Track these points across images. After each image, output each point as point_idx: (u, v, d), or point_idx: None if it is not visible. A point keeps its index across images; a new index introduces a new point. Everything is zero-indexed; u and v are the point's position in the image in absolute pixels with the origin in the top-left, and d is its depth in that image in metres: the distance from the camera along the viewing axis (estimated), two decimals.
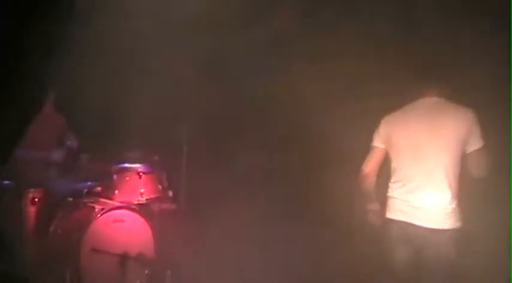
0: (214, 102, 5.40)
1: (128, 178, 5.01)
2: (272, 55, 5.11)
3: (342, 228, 4.75)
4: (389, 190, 3.54)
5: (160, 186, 5.13)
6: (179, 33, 5.27)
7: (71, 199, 4.85)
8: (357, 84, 4.73)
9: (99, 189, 5.01)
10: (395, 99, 3.65)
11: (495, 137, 3.52)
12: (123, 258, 4.49)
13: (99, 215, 4.53)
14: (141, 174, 5.03)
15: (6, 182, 4.76)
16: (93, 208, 4.62)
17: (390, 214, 3.51)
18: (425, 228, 3.32)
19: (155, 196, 5.08)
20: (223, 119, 5.46)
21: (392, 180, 3.53)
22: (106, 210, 4.59)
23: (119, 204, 4.77)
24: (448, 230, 3.31)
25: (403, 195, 3.44)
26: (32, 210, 4.66)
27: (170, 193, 5.15)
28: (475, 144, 3.31)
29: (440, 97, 3.45)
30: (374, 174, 3.63)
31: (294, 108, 4.98)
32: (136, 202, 4.94)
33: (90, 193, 4.98)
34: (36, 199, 4.66)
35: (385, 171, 3.65)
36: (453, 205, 3.33)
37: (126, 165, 5.10)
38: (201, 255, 4.80)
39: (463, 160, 3.34)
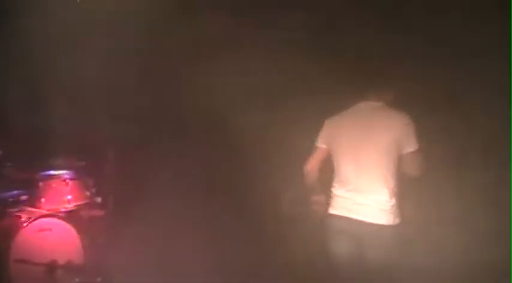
0: (142, 105, 5.39)
1: (54, 185, 4.94)
2: (206, 56, 5.15)
3: (283, 223, 4.88)
4: (333, 188, 3.73)
5: (88, 192, 5.09)
6: (102, 35, 5.22)
7: None
8: (300, 86, 4.86)
9: (24, 197, 4.89)
10: (338, 103, 3.82)
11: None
12: (52, 267, 4.45)
13: (25, 224, 4.44)
14: (67, 180, 4.97)
15: None
16: (19, 217, 4.52)
17: (333, 211, 3.70)
18: (366, 223, 3.51)
19: (83, 202, 5.04)
20: (153, 122, 5.46)
21: (335, 180, 3.73)
22: (32, 218, 4.50)
23: (46, 212, 4.68)
24: (387, 226, 3.50)
25: (345, 193, 3.64)
26: None
27: (98, 199, 5.11)
28: (410, 147, 3.51)
29: (380, 101, 3.65)
30: (316, 171, 3.82)
31: (227, 110, 5.02)
32: (63, 209, 4.88)
33: (16, 202, 4.84)
34: None
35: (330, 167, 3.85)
36: (391, 202, 3.52)
37: (52, 172, 5.03)
38: (132, 260, 4.78)
39: (399, 161, 3.54)
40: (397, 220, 3.53)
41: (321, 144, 3.80)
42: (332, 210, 3.70)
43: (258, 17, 4.87)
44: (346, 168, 3.63)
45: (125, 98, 5.39)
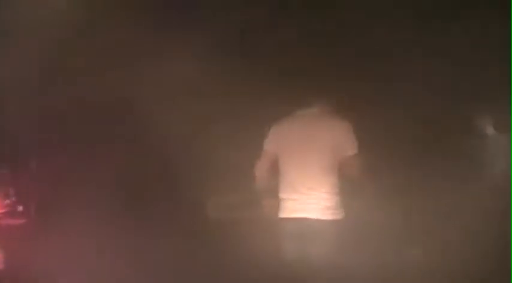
0: (63, 109, 5.30)
1: None
2: (132, 58, 5.13)
3: (230, 228, 4.96)
4: (280, 192, 3.93)
5: (8, 201, 4.98)
6: (23, 34, 5.10)
7: None
8: (243, 92, 4.93)
9: None
10: (281, 109, 4.02)
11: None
12: None
13: None
14: None
15: None
16: None
17: (282, 214, 3.91)
18: (313, 219, 3.76)
19: (3, 211, 4.92)
20: (76, 127, 5.37)
21: (282, 183, 3.93)
22: None
23: None
24: (332, 221, 3.78)
25: (292, 195, 3.85)
26: None
27: (20, 208, 5.01)
28: (349, 150, 3.81)
29: (322, 107, 3.91)
30: (264, 176, 4.00)
31: (157, 113, 5.01)
32: None
33: None
34: None
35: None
36: (335, 199, 3.80)
37: None
38: (55, 270, 4.68)
39: (341, 163, 3.82)
40: (341, 215, 3.80)
41: (268, 149, 3.99)
42: (281, 213, 3.91)
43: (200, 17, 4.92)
44: (292, 172, 3.85)
45: (46, 101, 5.28)
